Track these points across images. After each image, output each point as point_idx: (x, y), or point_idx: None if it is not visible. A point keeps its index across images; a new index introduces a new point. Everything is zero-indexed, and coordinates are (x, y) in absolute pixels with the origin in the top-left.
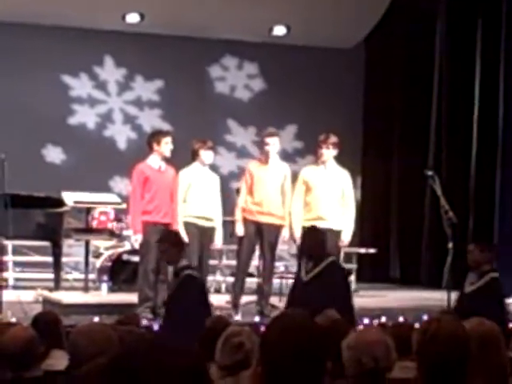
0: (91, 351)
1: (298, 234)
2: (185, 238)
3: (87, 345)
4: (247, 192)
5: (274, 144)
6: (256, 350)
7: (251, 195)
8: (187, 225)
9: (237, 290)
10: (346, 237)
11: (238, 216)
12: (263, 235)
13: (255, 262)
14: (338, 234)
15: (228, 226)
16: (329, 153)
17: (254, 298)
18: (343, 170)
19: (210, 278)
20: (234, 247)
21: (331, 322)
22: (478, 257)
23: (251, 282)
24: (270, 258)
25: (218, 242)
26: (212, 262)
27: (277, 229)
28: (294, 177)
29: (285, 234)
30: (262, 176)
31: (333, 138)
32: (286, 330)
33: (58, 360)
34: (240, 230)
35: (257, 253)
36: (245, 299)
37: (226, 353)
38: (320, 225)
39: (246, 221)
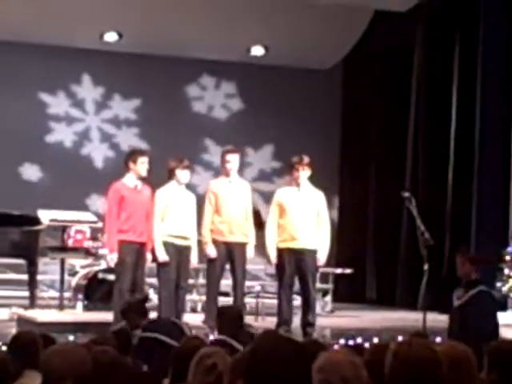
0: (63, 371)
1: (273, 256)
2: (164, 257)
3: (60, 365)
4: (213, 212)
5: (234, 161)
6: (228, 371)
7: (218, 214)
8: (165, 244)
9: (211, 310)
10: (322, 256)
11: (208, 238)
12: (234, 255)
13: (229, 281)
14: (313, 253)
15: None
16: (304, 174)
17: None
18: (318, 190)
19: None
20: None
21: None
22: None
23: (227, 301)
24: (242, 276)
25: (194, 260)
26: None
27: (244, 246)
28: (271, 197)
29: (249, 252)
30: (226, 194)
31: (306, 159)
32: (273, 348)
33: (32, 380)
34: (212, 251)
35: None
36: None
37: (198, 374)
38: (295, 245)
39: (215, 242)
